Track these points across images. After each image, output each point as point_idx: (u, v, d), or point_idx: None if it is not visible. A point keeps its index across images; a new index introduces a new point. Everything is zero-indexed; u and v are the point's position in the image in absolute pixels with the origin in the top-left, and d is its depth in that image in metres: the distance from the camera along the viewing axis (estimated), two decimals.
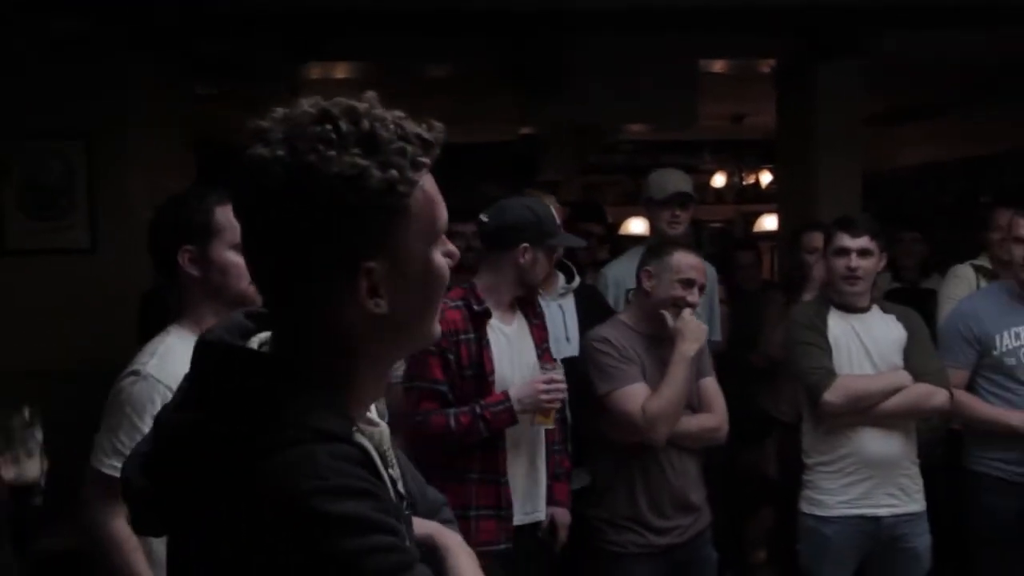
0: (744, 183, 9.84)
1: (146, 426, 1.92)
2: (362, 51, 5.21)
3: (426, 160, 1.07)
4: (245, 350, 1.11)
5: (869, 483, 3.17)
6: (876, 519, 3.18)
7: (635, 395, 2.97)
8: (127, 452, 1.56)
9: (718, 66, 5.56)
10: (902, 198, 8.14)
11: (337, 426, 1.05)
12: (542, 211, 2.96)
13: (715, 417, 3.12)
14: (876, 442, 3.17)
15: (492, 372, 2.88)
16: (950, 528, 3.41)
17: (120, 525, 2.04)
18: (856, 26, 4.90)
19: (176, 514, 1.11)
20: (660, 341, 3.06)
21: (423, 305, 1.12)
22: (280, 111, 1.06)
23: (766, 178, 9.20)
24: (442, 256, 1.11)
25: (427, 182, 1.08)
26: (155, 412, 1.28)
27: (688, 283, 3.04)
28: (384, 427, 1.19)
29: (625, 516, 3.05)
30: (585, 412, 3.17)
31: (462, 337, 2.85)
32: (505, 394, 2.84)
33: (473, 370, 2.86)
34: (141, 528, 1.17)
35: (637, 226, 8.96)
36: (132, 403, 2.07)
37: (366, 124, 1.03)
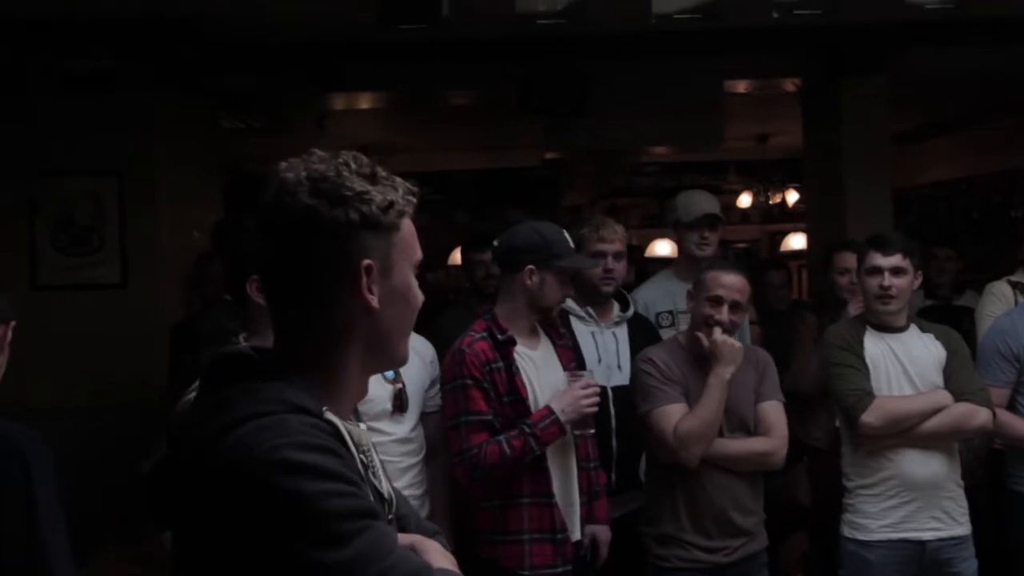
0: (770, 203, 9.78)
1: None
2: (385, 80, 5.24)
3: (412, 199, 1.29)
4: (236, 355, 1.26)
5: (912, 506, 3.09)
6: (921, 543, 3.10)
7: (670, 415, 2.96)
8: None
9: (742, 86, 5.55)
10: (932, 214, 8.07)
11: (309, 403, 1.19)
12: (550, 233, 2.97)
13: (769, 442, 3.06)
14: (918, 464, 3.10)
15: (527, 397, 2.90)
16: (993, 550, 3.33)
17: None
18: (880, 44, 4.88)
19: (178, 507, 1.23)
20: (707, 361, 3.03)
21: (403, 320, 1.30)
22: (302, 156, 1.27)
23: (792, 197, 9.14)
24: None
25: (410, 222, 1.30)
26: None
27: (715, 300, 3.01)
28: (365, 429, 1.32)
29: (669, 534, 3.03)
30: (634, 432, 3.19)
31: (494, 366, 2.88)
32: (548, 409, 2.86)
33: (509, 397, 2.88)
34: (157, 524, 1.27)
35: (663, 248, 8.92)
36: None
37: (368, 165, 1.27)
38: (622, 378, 3.36)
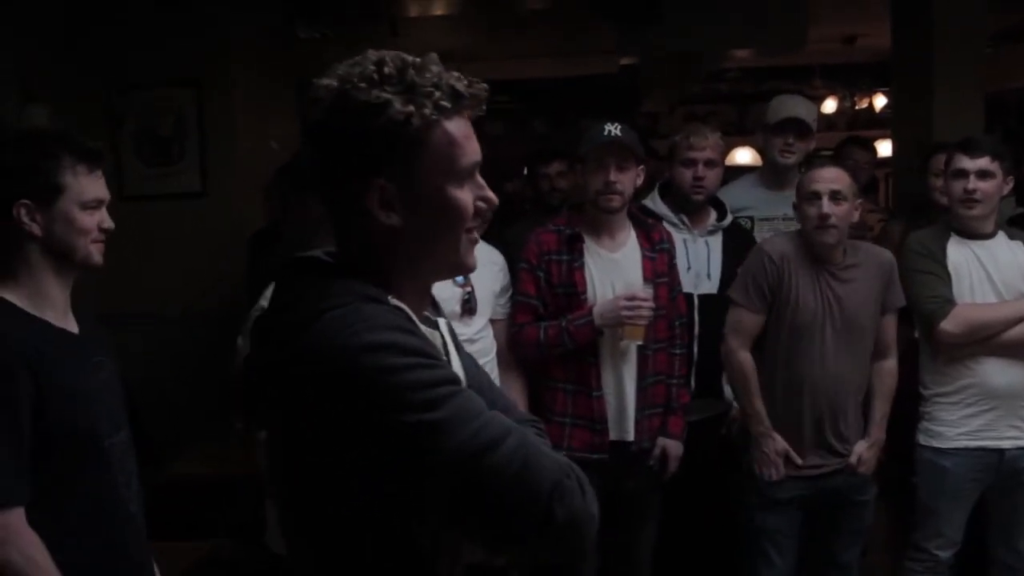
0: (856, 108, 9.44)
1: None
2: None
3: (449, 106, 1.22)
4: (303, 257, 1.29)
5: (991, 415, 3.05)
6: (999, 451, 3.06)
7: None
8: None
9: None
10: None
11: (376, 293, 1.22)
12: (588, 128, 3.09)
13: None
14: (999, 373, 3.04)
15: (584, 292, 3.03)
16: None
17: None
18: None
19: (268, 404, 1.27)
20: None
21: (443, 232, 1.26)
22: (354, 59, 1.24)
23: (880, 102, 8.80)
24: (468, 195, 1.26)
25: (455, 127, 1.24)
26: None
27: (813, 195, 2.97)
28: (444, 321, 1.38)
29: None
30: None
31: (552, 257, 3.05)
32: (589, 309, 2.99)
33: (563, 288, 3.05)
34: (253, 426, 1.34)
35: (743, 156, 8.76)
36: None
37: (409, 71, 1.21)
38: (710, 287, 3.36)
